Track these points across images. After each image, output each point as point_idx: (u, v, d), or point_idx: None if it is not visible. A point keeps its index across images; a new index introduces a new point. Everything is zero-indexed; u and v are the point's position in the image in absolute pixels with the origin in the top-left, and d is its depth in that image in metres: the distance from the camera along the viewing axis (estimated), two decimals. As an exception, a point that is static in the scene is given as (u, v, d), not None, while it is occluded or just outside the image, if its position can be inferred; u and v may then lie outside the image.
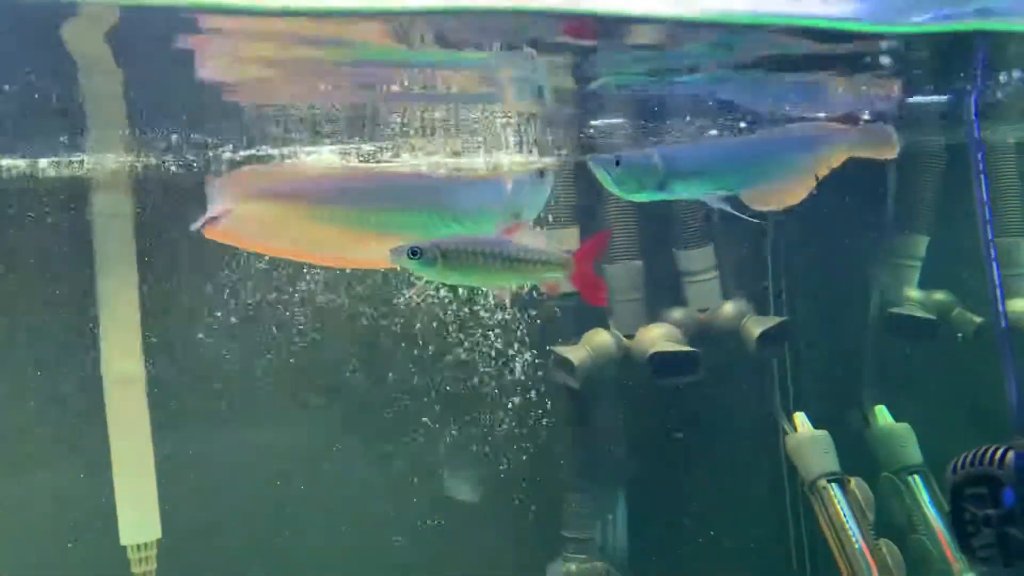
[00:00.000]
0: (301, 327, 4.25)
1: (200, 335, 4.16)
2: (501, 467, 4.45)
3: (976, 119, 2.19)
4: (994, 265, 2.15)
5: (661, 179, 2.56)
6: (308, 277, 4.22)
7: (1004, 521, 1.97)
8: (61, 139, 3.54)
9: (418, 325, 4.36)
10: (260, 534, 4.20)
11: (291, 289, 4.21)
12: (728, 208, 2.70)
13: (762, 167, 2.70)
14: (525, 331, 4.41)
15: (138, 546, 3.74)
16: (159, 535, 3.76)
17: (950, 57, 2.49)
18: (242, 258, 4.10)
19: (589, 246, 2.76)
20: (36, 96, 2.81)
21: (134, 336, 3.78)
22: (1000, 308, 2.15)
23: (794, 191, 2.74)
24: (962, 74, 2.59)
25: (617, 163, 2.56)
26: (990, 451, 2.01)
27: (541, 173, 2.79)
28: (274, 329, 4.23)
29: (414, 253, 2.58)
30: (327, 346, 4.28)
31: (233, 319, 4.19)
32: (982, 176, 2.14)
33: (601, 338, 4.27)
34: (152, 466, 3.77)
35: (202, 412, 4.17)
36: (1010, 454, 1.97)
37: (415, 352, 4.37)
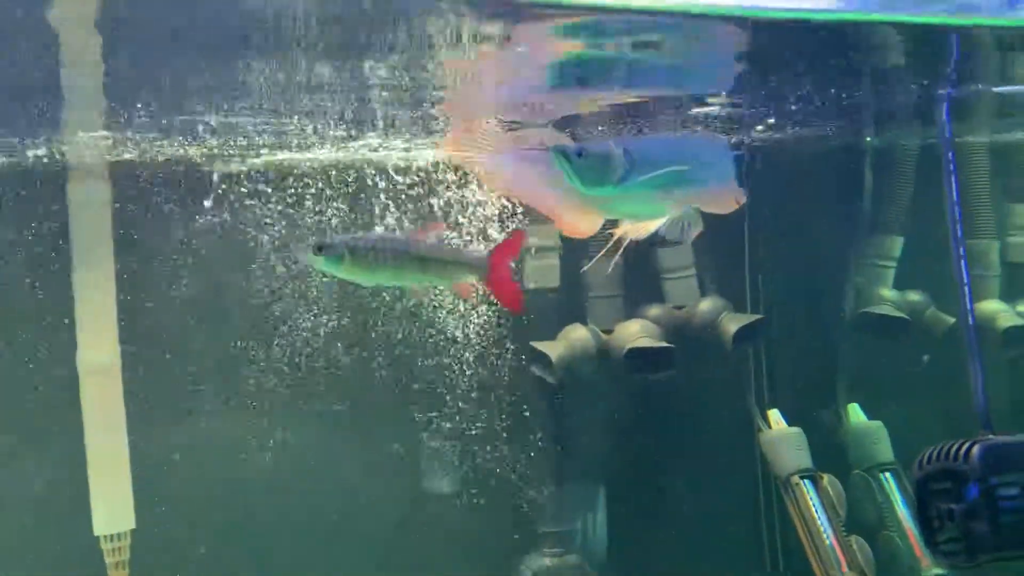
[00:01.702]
0: (281, 319, 4.24)
1: (177, 325, 4.14)
2: (477, 462, 4.46)
3: (948, 120, 2.21)
4: (962, 264, 2.18)
5: (622, 173, 2.55)
6: (291, 269, 4.21)
7: (968, 516, 2.00)
8: (40, 126, 3.51)
9: (396, 320, 4.35)
10: (235, 525, 4.18)
11: (273, 280, 4.20)
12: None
13: (723, 166, 2.71)
14: (503, 326, 4.42)
15: (111, 536, 3.72)
16: (133, 526, 3.75)
17: (925, 56, 2.52)
18: (221, 251, 4.10)
19: (503, 247, 2.72)
20: (13, 79, 2.78)
21: (110, 326, 3.76)
22: (967, 306, 2.18)
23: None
24: (936, 74, 2.62)
25: (580, 154, 2.55)
26: (955, 446, 2.04)
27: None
28: (254, 320, 4.22)
29: (320, 249, 2.55)
30: (305, 339, 4.27)
31: (212, 311, 4.18)
32: (953, 177, 2.17)
33: (579, 334, 4.29)
34: (127, 456, 3.75)
35: (179, 402, 4.16)
36: (974, 449, 2.00)
37: (394, 347, 4.36)
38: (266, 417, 4.26)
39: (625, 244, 2.89)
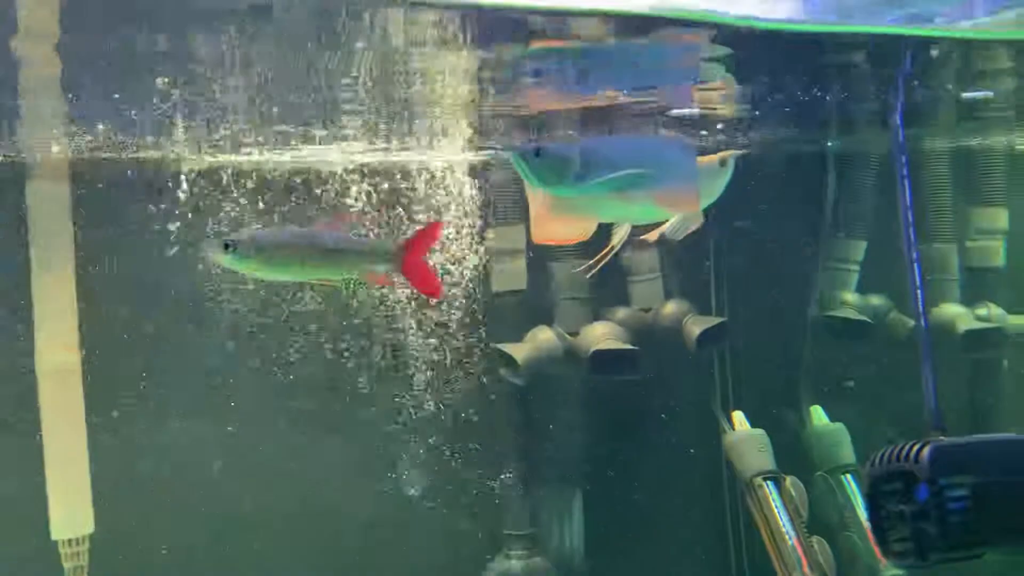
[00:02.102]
0: (241, 317, 4.21)
1: (137, 325, 4.10)
2: (444, 464, 4.45)
3: (901, 125, 2.24)
4: (915, 267, 2.21)
5: (580, 172, 2.55)
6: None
7: (918, 516, 2.01)
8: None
9: (361, 321, 4.34)
10: (196, 528, 4.14)
11: (233, 277, 4.17)
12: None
13: (682, 165, 2.71)
14: (469, 328, 4.41)
15: (70, 541, 3.68)
16: (92, 529, 3.71)
17: (881, 63, 2.55)
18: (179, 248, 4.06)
19: (419, 236, 2.71)
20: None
21: (70, 326, 3.72)
22: (920, 308, 2.21)
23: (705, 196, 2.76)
24: (891, 80, 2.66)
25: (537, 153, 2.55)
26: (906, 447, 2.06)
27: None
28: (214, 319, 4.18)
29: (228, 246, 2.52)
30: (265, 339, 4.24)
31: (172, 309, 4.14)
32: (906, 181, 2.20)
33: (545, 336, 4.29)
34: (86, 459, 3.71)
35: (139, 404, 4.11)
36: (925, 450, 2.02)
37: (357, 349, 4.35)
38: (230, 419, 4.23)
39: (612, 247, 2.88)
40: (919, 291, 2.22)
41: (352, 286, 4.06)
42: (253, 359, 4.23)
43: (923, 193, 4.45)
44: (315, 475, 4.31)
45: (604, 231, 2.91)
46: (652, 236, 2.91)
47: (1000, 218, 4.57)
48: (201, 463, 4.17)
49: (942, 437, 2.10)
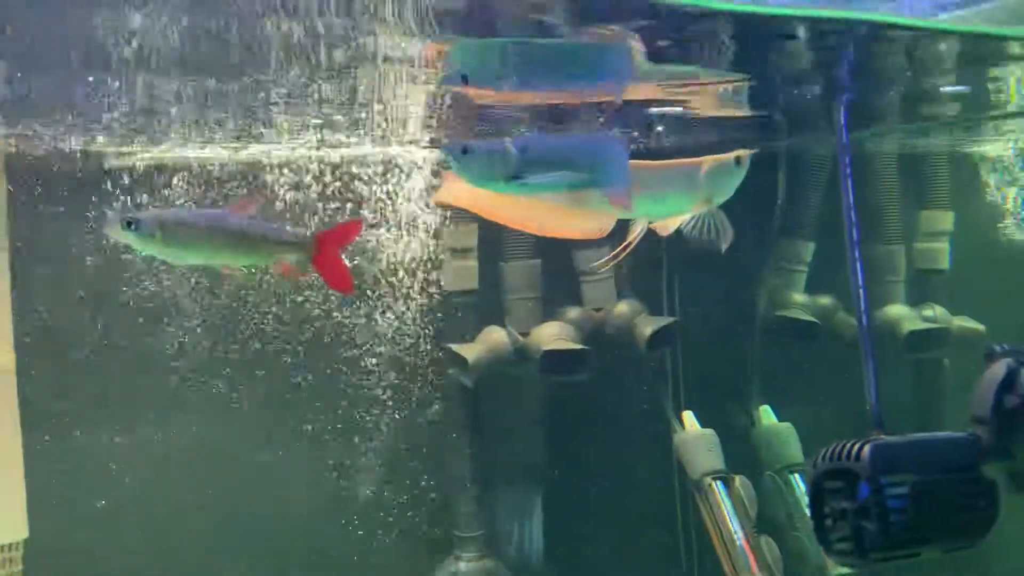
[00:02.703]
0: (184, 317, 4.12)
1: (74, 324, 3.99)
2: (394, 465, 4.41)
3: (844, 122, 2.25)
4: (858, 265, 2.22)
5: (514, 169, 2.53)
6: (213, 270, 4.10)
7: (859, 515, 2.01)
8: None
9: (309, 321, 4.27)
10: (134, 533, 4.04)
11: (175, 276, 4.08)
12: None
13: (616, 166, 2.70)
14: (420, 328, 4.37)
15: (3, 546, 3.57)
16: (26, 535, 3.60)
17: (826, 59, 2.55)
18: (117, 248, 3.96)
19: (336, 229, 2.67)
20: None
21: (4, 325, 3.61)
22: (862, 308, 2.22)
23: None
24: (834, 77, 2.67)
25: (465, 151, 2.53)
26: (848, 445, 2.06)
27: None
28: (155, 318, 4.08)
29: (130, 224, 2.43)
30: (209, 337, 4.16)
31: (111, 307, 4.03)
32: (849, 181, 2.21)
33: (496, 336, 4.27)
34: (20, 462, 3.61)
35: (76, 406, 4.00)
36: (866, 448, 2.02)
37: (305, 349, 4.28)
38: (172, 420, 4.13)
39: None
40: (861, 291, 2.23)
41: (263, 274, 3.98)
42: (195, 358, 4.14)
43: (871, 195, 4.51)
44: (259, 477, 4.24)
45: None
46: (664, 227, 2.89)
47: (945, 220, 4.64)
48: (140, 466, 4.07)
49: (883, 436, 2.10)
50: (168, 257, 2.69)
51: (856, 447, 2.04)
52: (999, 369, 2.20)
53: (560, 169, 2.52)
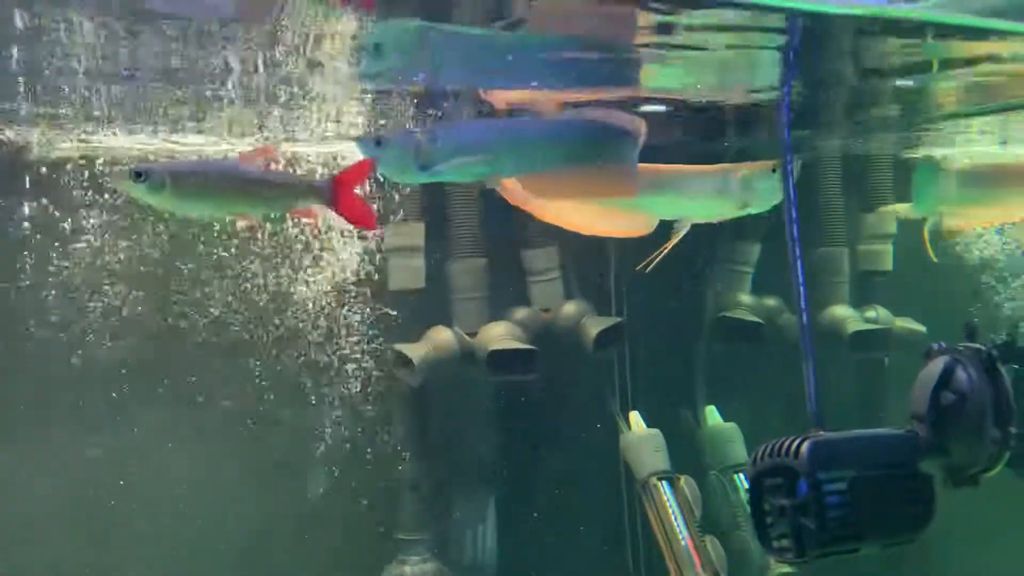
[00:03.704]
0: (121, 320, 4.00)
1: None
2: (337, 467, 4.34)
3: (787, 119, 2.26)
4: (798, 264, 2.22)
5: (426, 160, 2.51)
6: (136, 268, 3.98)
7: (798, 511, 2.01)
8: None
9: (251, 319, 4.19)
10: (70, 544, 3.92)
11: (113, 281, 3.97)
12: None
13: (539, 151, 2.70)
14: (365, 328, 4.31)
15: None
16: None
17: (770, 55, 2.56)
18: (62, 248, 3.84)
19: (352, 168, 2.61)
20: None
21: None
22: (802, 308, 2.23)
23: (583, 184, 2.75)
24: (779, 74, 2.68)
25: (378, 143, 2.50)
26: (787, 442, 2.05)
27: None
28: (89, 323, 3.97)
29: (139, 176, 2.35)
30: (148, 341, 4.05)
31: (45, 312, 3.91)
32: (790, 180, 2.22)
33: (442, 336, 4.22)
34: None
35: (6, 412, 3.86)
36: (804, 445, 2.02)
37: (247, 349, 4.19)
38: (106, 425, 4.01)
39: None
40: (801, 290, 2.24)
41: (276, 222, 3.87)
42: (127, 362, 4.02)
43: (816, 197, 4.56)
44: (202, 480, 4.14)
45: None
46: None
47: (889, 223, 4.71)
48: (72, 474, 3.95)
49: (822, 433, 2.10)
50: (179, 209, 2.60)
51: (795, 444, 2.03)
52: (936, 367, 2.22)
53: (475, 158, 2.51)
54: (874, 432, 2.16)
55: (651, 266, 3.09)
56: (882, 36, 2.39)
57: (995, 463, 2.15)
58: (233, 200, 2.51)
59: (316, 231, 4.09)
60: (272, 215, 3.22)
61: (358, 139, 2.57)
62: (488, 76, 2.93)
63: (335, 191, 2.56)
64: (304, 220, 2.73)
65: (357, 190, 2.66)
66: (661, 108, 3.48)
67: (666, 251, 2.96)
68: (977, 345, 2.22)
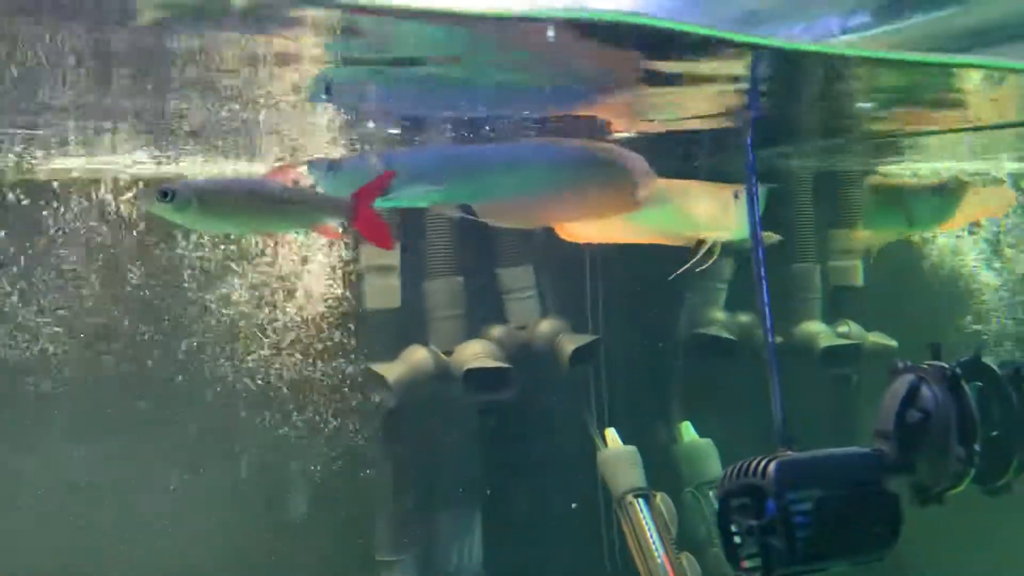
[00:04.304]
0: (89, 330, 3.97)
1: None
2: (315, 488, 4.32)
3: (751, 141, 2.30)
4: (763, 284, 2.26)
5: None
6: (102, 278, 3.95)
7: (765, 531, 2.03)
8: None
9: (228, 337, 4.17)
10: (39, 552, 3.87)
11: (81, 291, 3.94)
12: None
13: (495, 178, 2.71)
14: (341, 347, 4.31)
15: None
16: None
17: (737, 78, 2.59)
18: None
19: (369, 185, 2.62)
20: None
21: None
22: (767, 326, 2.26)
23: (544, 211, 2.76)
24: (745, 98, 2.72)
25: (330, 167, 2.51)
26: (755, 463, 2.08)
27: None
28: (58, 332, 3.94)
29: (165, 195, 2.37)
30: (120, 352, 4.02)
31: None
32: (754, 199, 2.25)
33: (419, 355, 4.23)
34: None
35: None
36: (771, 465, 2.04)
37: (223, 367, 4.17)
38: (79, 443, 3.98)
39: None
40: (767, 309, 2.27)
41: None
42: (108, 373, 3.99)
43: (788, 214, 4.61)
44: (177, 502, 4.11)
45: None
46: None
47: (859, 239, 4.76)
48: (48, 484, 3.91)
49: (789, 452, 2.13)
50: (205, 227, 2.61)
51: (762, 464, 2.06)
52: (901, 385, 2.25)
53: (430, 182, 2.53)
54: (840, 451, 2.19)
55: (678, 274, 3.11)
56: (844, 65, 2.42)
57: (960, 480, 2.19)
58: (259, 217, 2.54)
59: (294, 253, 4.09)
60: (295, 231, 3.23)
61: (309, 163, 2.58)
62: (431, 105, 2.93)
63: (355, 207, 2.57)
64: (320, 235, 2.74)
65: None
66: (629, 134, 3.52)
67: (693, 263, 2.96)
68: (941, 363, 2.25)
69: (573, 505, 4.46)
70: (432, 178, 2.56)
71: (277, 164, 3.59)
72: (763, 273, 2.19)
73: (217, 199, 2.45)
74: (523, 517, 4.54)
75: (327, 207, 2.59)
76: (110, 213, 3.89)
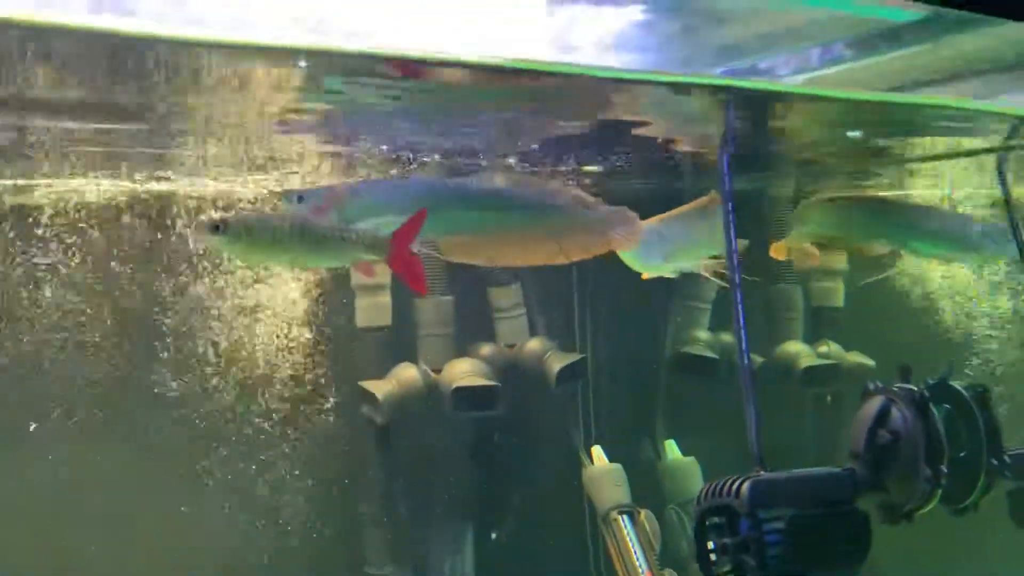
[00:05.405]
0: (72, 337, 4.01)
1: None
2: (304, 504, 4.36)
3: (728, 173, 2.39)
4: (739, 306, 2.34)
5: (347, 217, 2.60)
6: (81, 284, 3.98)
7: (739, 549, 2.10)
8: None
9: (217, 353, 4.22)
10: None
11: (63, 297, 3.97)
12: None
13: (458, 214, 2.77)
14: (331, 364, 4.36)
15: None
16: None
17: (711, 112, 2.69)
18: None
19: (406, 227, 2.65)
20: None
21: None
22: (743, 347, 2.33)
23: (509, 251, 2.82)
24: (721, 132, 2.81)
25: (300, 199, 2.59)
26: (729, 482, 2.14)
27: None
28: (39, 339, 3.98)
29: (216, 228, 2.46)
30: (107, 366, 4.06)
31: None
32: (732, 227, 2.34)
33: (408, 373, 4.29)
34: None
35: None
36: (745, 485, 2.11)
37: (213, 381, 4.22)
38: (57, 451, 4.01)
39: None
40: (743, 332, 2.34)
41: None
42: (92, 386, 4.03)
43: (770, 236, 4.69)
44: (166, 516, 4.15)
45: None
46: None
47: (840, 260, 4.85)
48: (25, 496, 3.94)
49: (763, 472, 2.20)
50: (251, 261, 2.67)
51: (736, 484, 2.13)
52: (872, 406, 2.34)
53: (392, 214, 2.60)
54: (813, 471, 2.26)
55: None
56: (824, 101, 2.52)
57: (928, 500, 2.27)
58: (306, 253, 2.61)
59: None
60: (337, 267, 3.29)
61: (282, 193, 2.66)
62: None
63: (392, 247, 2.62)
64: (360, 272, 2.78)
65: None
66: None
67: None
68: (910, 386, 2.34)
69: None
70: (398, 210, 2.62)
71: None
72: (739, 297, 2.27)
73: (266, 233, 2.53)
74: (511, 533, 4.60)
75: (367, 245, 2.65)
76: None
